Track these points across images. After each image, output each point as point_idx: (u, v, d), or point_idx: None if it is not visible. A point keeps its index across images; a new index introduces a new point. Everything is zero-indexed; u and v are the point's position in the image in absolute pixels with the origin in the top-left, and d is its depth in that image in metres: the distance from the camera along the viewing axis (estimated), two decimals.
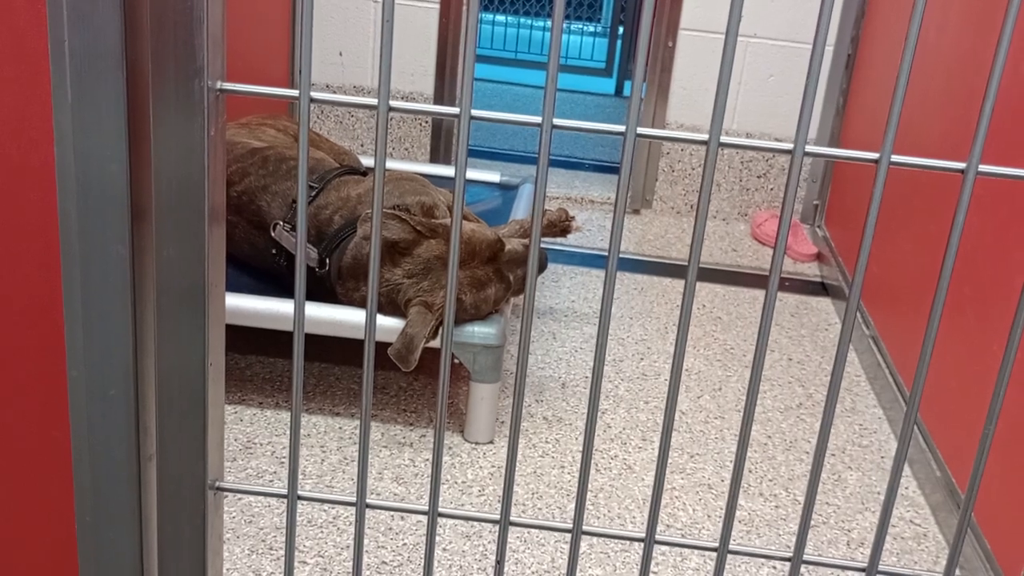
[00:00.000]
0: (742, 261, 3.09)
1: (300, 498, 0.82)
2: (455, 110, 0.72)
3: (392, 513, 1.76)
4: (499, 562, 0.81)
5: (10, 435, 0.94)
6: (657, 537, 0.80)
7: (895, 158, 0.70)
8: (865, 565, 0.82)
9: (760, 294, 2.85)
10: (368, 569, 1.63)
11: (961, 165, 0.70)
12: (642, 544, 0.80)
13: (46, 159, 0.82)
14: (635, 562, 1.70)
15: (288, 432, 1.98)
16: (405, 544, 1.69)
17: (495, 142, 4.00)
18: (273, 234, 2.02)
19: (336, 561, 1.64)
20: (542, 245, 2.39)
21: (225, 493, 0.85)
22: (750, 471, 1.99)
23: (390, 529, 1.72)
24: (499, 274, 1.94)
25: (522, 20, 6.02)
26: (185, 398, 0.80)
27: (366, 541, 1.69)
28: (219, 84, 0.72)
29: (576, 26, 6.27)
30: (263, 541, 1.67)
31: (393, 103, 0.70)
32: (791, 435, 2.13)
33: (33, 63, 0.78)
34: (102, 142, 0.71)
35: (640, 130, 0.70)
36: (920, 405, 0.94)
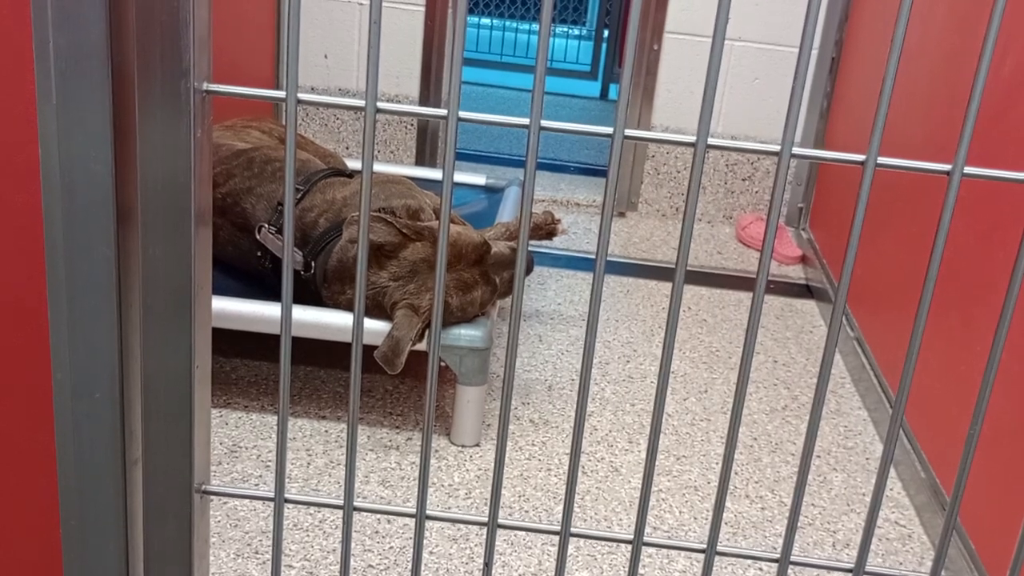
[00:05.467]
0: (727, 264, 3.10)
1: (287, 501, 0.81)
2: (442, 112, 0.71)
3: (379, 516, 1.76)
4: (487, 564, 0.81)
5: None
6: (645, 539, 0.80)
7: (881, 160, 0.71)
8: (852, 566, 0.82)
9: (745, 297, 2.85)
10: (355, 573, 1.63)
11: (947, 167, 0.71)
12: (629, 546, 0.80)
13: (30, 160, 0.81)
14: (622, 564, 1.70)
15: (274, 436, 1.97)
16: (392, 547, 1.69)
17: (480, 145, 4.00)
18: (258, 236, 2.01)
19: (322, 565, 1.63)
20: (528, 248, 2.39)
21: (211, 496, 0.84)
22: (736, 473, 2.00)
23: (376, 532, 1.72)
24: (485, 277, 1.94)
25: (507, 23, 6.03)
26: (171, 401, 0.79)
27: (353, 545, 1.68)
28: (205, 85, 0.72)
29: (561, 29, 6.28)
30: (249, 545, 1.66)
31: (380, 104, 0.70)
32: (776, 437, 2.14)
33: (17, 63, 0.77)
34: (87, 143, 0.70)
35: (628, 131, 0.70)
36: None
